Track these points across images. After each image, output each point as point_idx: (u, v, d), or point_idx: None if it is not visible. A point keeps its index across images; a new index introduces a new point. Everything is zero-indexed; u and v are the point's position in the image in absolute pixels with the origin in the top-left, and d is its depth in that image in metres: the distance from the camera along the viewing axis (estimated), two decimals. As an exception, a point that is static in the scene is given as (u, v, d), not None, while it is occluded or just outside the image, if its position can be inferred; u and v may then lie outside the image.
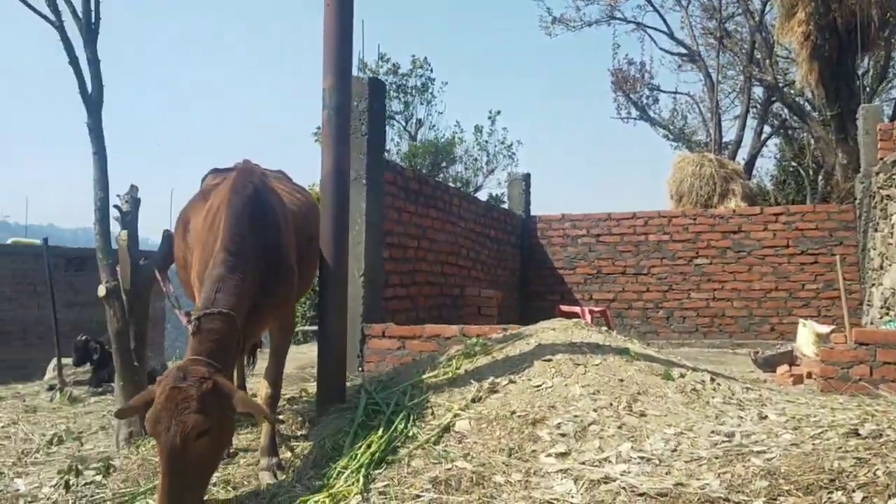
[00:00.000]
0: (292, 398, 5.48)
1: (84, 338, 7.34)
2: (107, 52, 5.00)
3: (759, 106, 21.82)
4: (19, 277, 15.13)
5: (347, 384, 5.29)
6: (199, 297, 3.40)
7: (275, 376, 3.99)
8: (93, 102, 4.97)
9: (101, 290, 4.62)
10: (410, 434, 3.70)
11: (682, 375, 4.25)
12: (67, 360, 7.22)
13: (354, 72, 5.90)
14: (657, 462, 3.21)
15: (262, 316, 3.66)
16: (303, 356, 7.85)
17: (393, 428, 3.73)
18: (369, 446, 3.56)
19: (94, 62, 4.98)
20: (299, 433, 4.45)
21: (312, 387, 5.47)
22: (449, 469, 3.28)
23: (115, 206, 4.59)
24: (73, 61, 4.95)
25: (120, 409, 3.26)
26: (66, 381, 6.87)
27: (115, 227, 4.66)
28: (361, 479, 3.26)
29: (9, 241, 17.13)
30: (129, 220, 4.61)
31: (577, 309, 9.68)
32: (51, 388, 6.69)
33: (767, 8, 18.62)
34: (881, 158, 9.24)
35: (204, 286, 3.39)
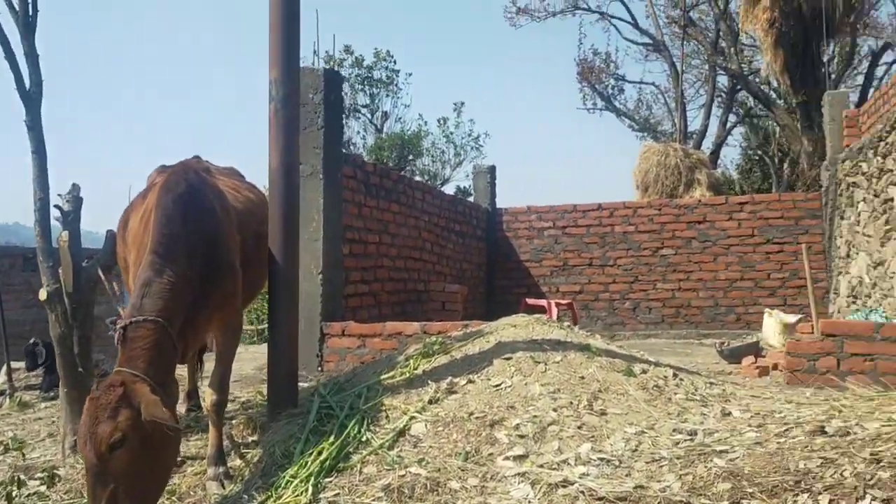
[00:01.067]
0: (247, 402, 5.32)
1: (34, 342, 7.11)
2: (49, 45, 4.80)
3: (724, 95, 21.97)
4: (-26, 279, 14.72)
5: (305, 385, 5.15)
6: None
7: (220, 382, 3.81)
8: (31, 98, 4.75)
9: (42, 294, 4.42)
10: (364, 439, 3.57)
11: (645, 371, 4.16)
12: (17, 364, 6.98)
13: (318, 64, 5.66)
14: (617, 463, 3.12)
15: (203, 319, 3.48)
16: (263, 356, 7.65)
17: (346, 433, 3.60)
18: (320, 453, 3.43)
19: (31, 56, 4.76)
20: (251, 439, 4.29)
21: (268, 389, 5.31)
22: (402, 475, 3.16)
23: (56, 206, 4.39)
24: (9, 56, 4.74)
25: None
26: (17, 386, 6.63)
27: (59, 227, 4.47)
28: (310, 489, 3.13)
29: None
30: (71, 220, 4.41)
31: (543, 302, 9.62)
32: (0, 393, 6.45)
33: (732, -4, 18.69)
34: (847, 146, 9.28)
35: (133, 291, 3.23)
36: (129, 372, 2.90)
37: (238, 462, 3.85)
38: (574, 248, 11.24)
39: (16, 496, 3.55)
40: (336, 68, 19.90)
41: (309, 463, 3.37)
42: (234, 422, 4.53)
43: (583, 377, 3.98)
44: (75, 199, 4.46)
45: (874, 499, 2.34)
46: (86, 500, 3.43)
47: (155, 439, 2.82)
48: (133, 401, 2.78)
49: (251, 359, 7.60)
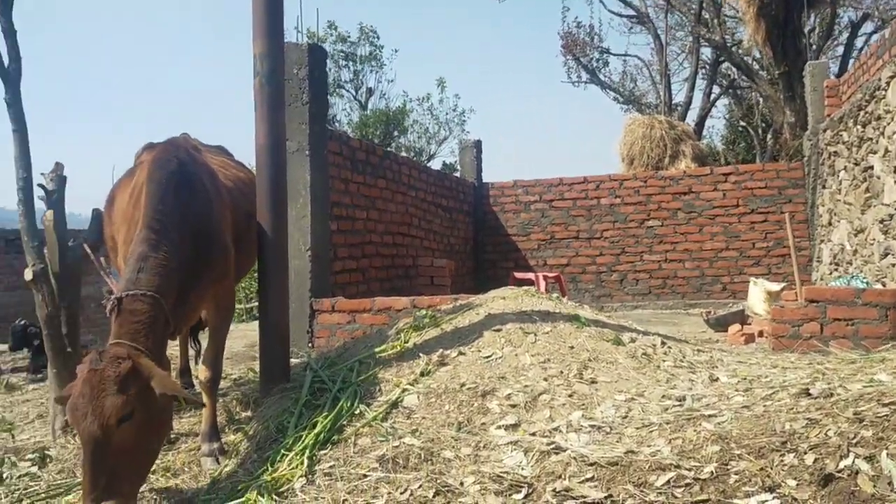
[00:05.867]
0: (239, 378, 5.34)
1: (22, 322, 7.07)
2: (28, 21, 4.72)
3: (707, 66, 21.96)
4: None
5: (297, 361, 5.17)
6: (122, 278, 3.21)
7: (213, 359, 3.83)
8: (10, 76, 4.70)
9: (28, 274, 4.39)
10: (357, 412, 3.59)
11: (633, 340, 4.21)
12: (4, 347, 6.97)
13: (300, 39, 5.59)
14: (608, 430, 3.15)
15: (195, 297, 3.48)
16: (253, 333, 7.68)
17: (339, 406, 3.62)
18: (314, 426, 3.45)
19: (10, 33, 4.69)
20: (244, 415, 4.32)
21: (259, 365, 5.34)
22: (397, 446, 3.18)
23: (40, 185, 4.35)
24: (-14, 33, 4.66)
25: (58, 396, 3.04)
26: (3, 369, 6.62)
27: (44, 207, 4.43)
28: (306, 461, 3.15)
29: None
30: (55, 199, 4.37)
31: (531, 275, 9.66)
32: (-14, 375, 6.43)
33: (714, -33, 18.61)
34: (828, 115, 9.36)
35: (126, 266, 3.20)
36: (131, 345, 2.88)
37: (232, 437, 3.88)
38: (561, 221, 11.27)
39: (7, 477, 3.54)
40: (319, 45, 19.77)
41: (304, 436, 3.39)
42: (227, 398, 4.56)
43: (572, 347, 4.02)
44: (59, 177, 4.42)
45: (857, 456, 2.39)
46: (79, 479, 3.44)
47: (154, 413, 2.82)
48: (141, 374, 2.77)
49: (241, 336, 7.61)
